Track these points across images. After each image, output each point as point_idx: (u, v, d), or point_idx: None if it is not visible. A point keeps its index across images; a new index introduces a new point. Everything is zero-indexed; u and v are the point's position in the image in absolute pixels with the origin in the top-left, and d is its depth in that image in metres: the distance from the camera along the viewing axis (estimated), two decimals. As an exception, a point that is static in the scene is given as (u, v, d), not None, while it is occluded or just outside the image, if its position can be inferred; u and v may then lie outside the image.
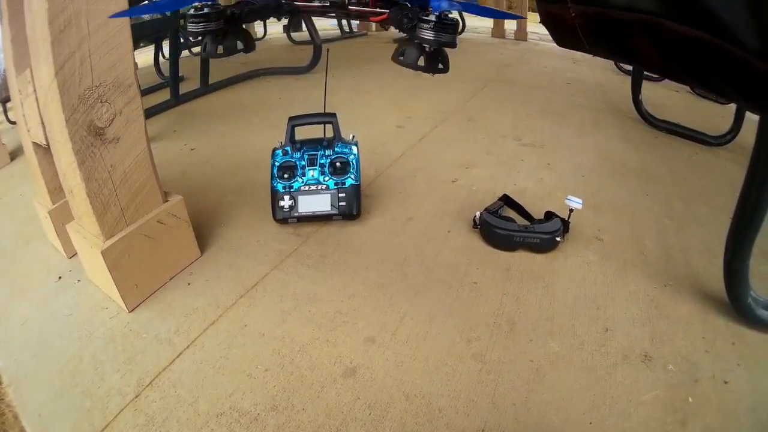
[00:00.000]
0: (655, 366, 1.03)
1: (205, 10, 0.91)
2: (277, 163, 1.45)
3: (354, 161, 1.46)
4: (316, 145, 1.49)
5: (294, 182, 1.44)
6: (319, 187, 1.44)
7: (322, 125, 1.54)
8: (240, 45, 0.96)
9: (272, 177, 1.44)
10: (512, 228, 1.36)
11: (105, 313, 1.13)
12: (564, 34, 1.05)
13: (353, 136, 1.51)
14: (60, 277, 1.23)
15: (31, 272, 1.27)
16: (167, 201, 1.18)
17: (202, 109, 2.37)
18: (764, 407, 0.94)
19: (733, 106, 2.57)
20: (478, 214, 1.44)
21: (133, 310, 1.14)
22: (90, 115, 0.95)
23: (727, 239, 1.10)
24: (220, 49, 1.01)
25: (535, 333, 1.11)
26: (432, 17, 0.79)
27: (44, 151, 1.11)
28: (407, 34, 0.82)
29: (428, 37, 0.78)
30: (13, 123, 2.10)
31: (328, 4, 0.89)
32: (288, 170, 1.44)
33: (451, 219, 1.53)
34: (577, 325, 1.13)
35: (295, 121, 1.48)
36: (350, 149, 1.47)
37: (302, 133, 1.50)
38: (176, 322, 1.11)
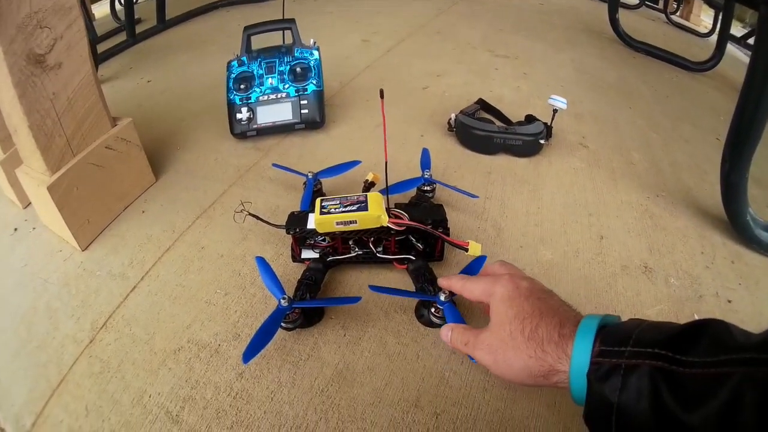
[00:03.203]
0: (656, 278, 0.94)
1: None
2: (232, 75, 1.31)
3: (316, 66, 1.32)
4: (274, 52, 1.34)
5: (251, 93, 1.30)
6: (279, 96, 1.30)
7: (282, 35, 1.41)
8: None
9: (228, 90, 1.30)
10: (491, 129, 1.23)
11: (59, 257, 1.00)
12: None
13: (314, 42, 1.36)
14: (15, 229, 1.10)
15: None
16: (116, 126, 1.08)
17: (159, 45, 2.22)
18: None
19: (710, 39, 2.56)
20: (453, 116, 1.31)
21: (86, 248, 1.01)
22: (29, 43, 0.85)
23: (724, 150, 1.02)
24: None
25: (525, 240, 1.00)
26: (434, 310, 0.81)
27: None
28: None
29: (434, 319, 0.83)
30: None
31: (362, 253, 0.89)
32: (244, 81, 1.30)
33: (423, 124, 1.40)
34: (570, 232, 1.03)
35: (250, 30, 1.33)
36: (311, 53, 1.33)
37: (260, 43, 1.36)
38: (130, 254, 0.99)
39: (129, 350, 0.81)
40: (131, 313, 0.87)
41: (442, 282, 0.73)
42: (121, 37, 2.19)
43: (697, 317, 0.87)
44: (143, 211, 1.10)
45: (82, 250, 1.01)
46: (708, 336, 0.42)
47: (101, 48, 1.97)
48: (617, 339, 0.46)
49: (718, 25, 2.18)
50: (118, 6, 2.73)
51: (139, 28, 2.25)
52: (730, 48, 2.26)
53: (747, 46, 2.61)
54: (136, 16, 2.26)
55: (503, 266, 0.68)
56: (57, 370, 0.79)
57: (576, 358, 0.48)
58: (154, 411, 0.72)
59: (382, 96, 0.77)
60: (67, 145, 0.97)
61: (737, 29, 2.81)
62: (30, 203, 1.13)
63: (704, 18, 3.28)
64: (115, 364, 0.79)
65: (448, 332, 0.66)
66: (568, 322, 0.52)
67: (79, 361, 0.80)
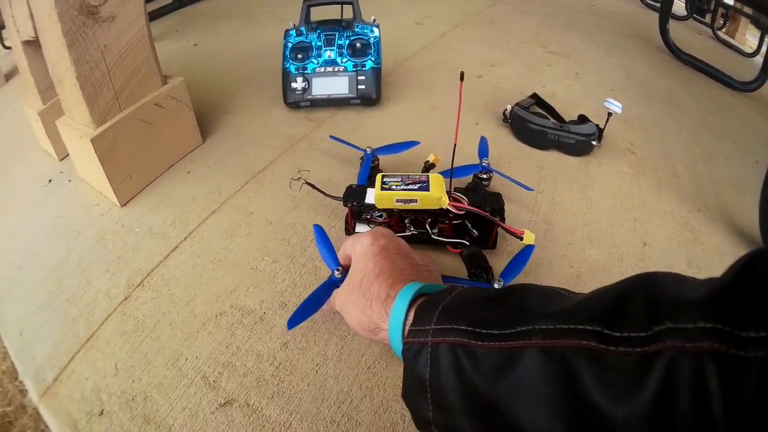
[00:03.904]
0: None
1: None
2: (290, 44, 1.32)
3: (375, 43, 1.33)
4: (333, 25, 1.35)
5: (308, 63, 1.31)
6: (336, 69, 1.31)
7: (340, 7, 1.40)
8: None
9: (284, 58, 1.31)
10: (547, 125, 1.25)
11: (95, 211, 1.01)
12: None
13: (374, 19, 1.37)
14: (50, 180, 1.11)
15: (21, 180, 1.15)
16: (166, 84, 1.08)
17: (206, 9, 2.21)
18: None
19: (754, 60, 2.54)
20: (509, 107, 1.32)
21: (126, 204, 1.02)
22: None
23: (767, 174, 1.03)
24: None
25: (573, 237, 1.02)
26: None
27: (35, 48, 1.01)
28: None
29: None
30: (9, 48, 1.91)
31: (417, 233, 0.90)
32: (302, 51, 1.31)
33: (478, 112, 1.41)
34: (615, 235, 1.05)
35: (310, 1, 1.33)
36: (371, 30, 1.34)
37: (318, 16, 1.37)
38: (172, 213, 1.00)
39: (167, 311, 0.81)
40: (171, 273, 0.88)
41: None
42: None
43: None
44: (188, 172, 1.11)
45: (121, 206, 1.01)
46: (512, 303, 0.46)
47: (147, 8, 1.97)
48: (426, 315, 0.49)
49: (764, 48, 2.17)
50: None
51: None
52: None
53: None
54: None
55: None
56: (86, 325, 0.80)
57: (392, 320, 0.53)
58: (190, 375, 0.73)
59: (462, 79, 0.79)
60: (115, 99, 0.97)
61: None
62: (66, 155, 1.13)
63: (749, 37, 3.25)
64: (151, 324, 0.79)
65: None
66: (400, 284, 0.57)
67: (112, 317, 0.81)
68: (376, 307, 0.56)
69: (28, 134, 1.20)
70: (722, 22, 3.28)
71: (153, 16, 2.02)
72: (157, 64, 1.05)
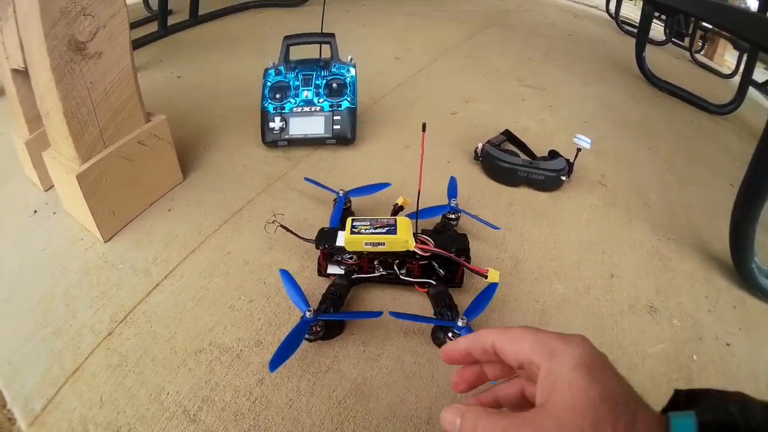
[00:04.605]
0: (660, 318, 0.99)
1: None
2: (269, 83, 1.36)
3: (351, 83, 1.36)
4: (311, 65, 1.39)
5: (286, 103, 1.34)
6: (313, 109, 1.35)
7: (318, 47, 1.44)
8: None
9: (263, 97, 1.35)
10: (516, 162, 1.28)
11: (80, 245, 1.03)
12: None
13: (351, 58, 1.41)
14: (35, 211, 1.13)
15: (6, 209, 1.16)
16: (149, 121, 1.10)
17: (190, 40, 2.27)
18: (764, 375, 0.92)
19: (732, 81, 2.58)
20: (480, 145, 1.35)
21: (109, 240, 1.05)
22: (71, 29, 0.87)
23: (737, 199, 1.05)
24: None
25: (540, 272, 1.05)
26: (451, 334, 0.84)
27: (23, 77, 1.02)
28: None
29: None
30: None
31: (386, 274, 0.93)
32: (280, 90, 1.35)
33: (451, 150, 1.44)
34: (583, 268, 1.07)
35: (290, 40, 1.37)
36: (348, 70, 1.38)
37: (297, 55, 1.41)
38: (154, 250, 1.02)
39: (149, 346, 0.84)
40: (153, 310, 0.90)
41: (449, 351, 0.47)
42: (152, 27, 2.24)
43: (695, 358, 0.91)
44: (169, 210, 1.13)
45: (105, 242, 1.04)
46: None
47: (131, 36, 1.98)
48: None
49: (741, 68, 2.21)
50: None
51: (170, 20, 2.31)
52: (752, 92, 2.28)
53: (768, 93, 2.64)
54: (168, 8, 2.31)
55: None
56: (72, 358, 0.82)
57: None
58: (172, 408, 0.75)
59: (424, 129, 0.81)
60: (100, 136, 0.99)
61: (761, 71, 2.83)
62: (51, 186, 1.15)
63: (728, 58, 3.31)
64: (134, 359, 0.82)
65: (456, 419, 0.40)
66: (658, 419, 0.36)
67: (97, 351, 0.83)
68: None
69: (12, 159, 1.22)
70: (701, 44, 3.34)
71: (138, 44, 2.06)
72: (140, 101, 1.07)
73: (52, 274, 0.97)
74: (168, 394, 0.77)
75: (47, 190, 1.18)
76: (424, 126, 0.81)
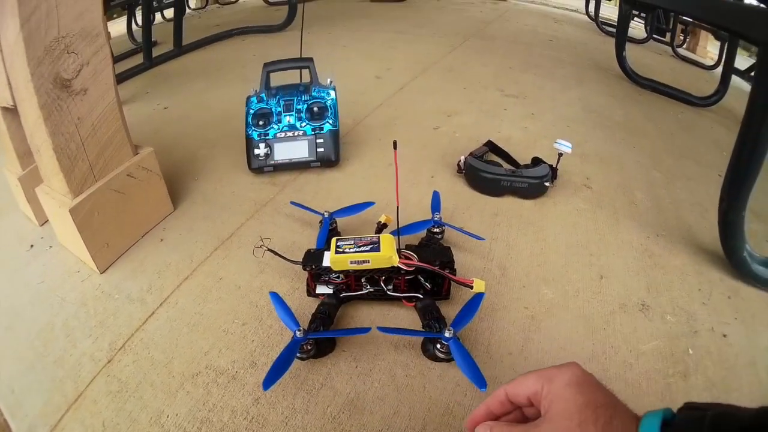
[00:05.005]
0: (653, 315, 0.99)
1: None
2: (251, 111, 1.38)
3: (332, 105, 1.38)
4: (292, 90, 1.41)
5: (269, 129, 1.36)
6: (296, 134, 1.36)
7: (299, 71, 1.46)
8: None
9: (247, 125, 1.37)
10: (499, 172, 1.29)
11: (76, 277, 1.06)
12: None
13: (331, 81, 1.43)
14: (32, 246, 1.15)
15: (2, 244, 1.19)
16: (137, 154, 1.13)
17: (175, 70, 2.31)
18: (763, 363, 0.91)
19: (716, 71, 2.60)
20: (462, 158, 1.36)
21: (104, 271, 1.07)
22: (56, 67, 0.90)
23: (723, 189, 1.05)
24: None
25: (528, 279, 1.05)
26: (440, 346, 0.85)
27: (12, 114, 1.05)
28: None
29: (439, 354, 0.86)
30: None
31: (373, 290, 0.95)
32: (263, 117, 1.37)
33: (434, 164, 1.46)
34: (571, 272, 1.08)
35: (270, 67, 1.40)
36: (327, 93, 1.40)
37: (278, 80, 1.43)
38: (148, 280, 1.05)
39: (147, 372, 0.86)
40: (150, 337, 0.92)
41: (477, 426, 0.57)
42: (137, 59, 2.28)
43: (691, 351, 0.91)
44: (162, 239, 1.15)
45: (100, 273, 1.06)
46: None
47: (117, 69, 2.01)
48: None
49: (723, 58, 2.23)
50: (134, 26, 2.86)
51: (155, 51, 2.35)
52: (736, 80, 2.29)
53: (751, 79, 2.63)
54: (152, 39, 2.36)
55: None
56: (74, 386, 0.84)
57: None
58: (172, 431, 0.77)
59: (395, 147, 0.83)
60: (90, 170, 1.01)
61: (744, 59, 2.84)
62: (46, 221, 1.17)
63: (710, 49, 3.33)
64: (134, 385, 0.84)
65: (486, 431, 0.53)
66: (635, 418, 0.46)
67: (97, 379, 0.85)
68: None
69: (7, 195, 1.24)
70: (683, 38, 3.36)
71: (124, 77, 2.10)
72: (127, 134, 1.09)
73: (50, 306, 0.99)
74: (168, 417, 0.79)
75: (42, 225, 1.20)
76: (395, 144, 0.83)
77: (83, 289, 1.03)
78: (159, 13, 3.28)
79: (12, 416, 0.81)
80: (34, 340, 0.93)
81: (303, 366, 0.86)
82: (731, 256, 1.09)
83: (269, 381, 0.75)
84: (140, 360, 0.88)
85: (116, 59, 2.29)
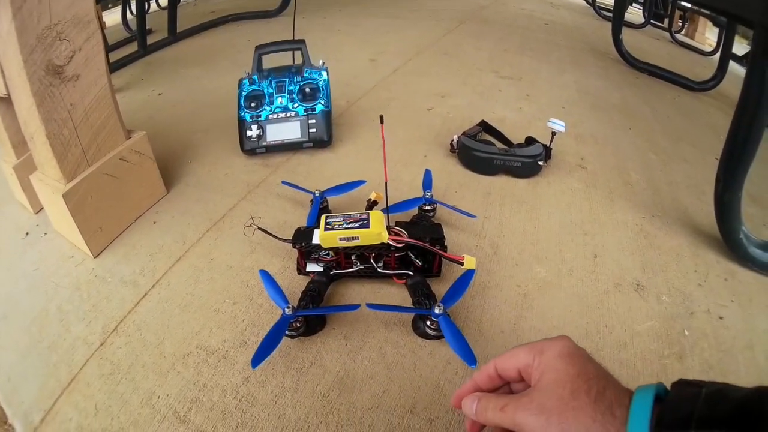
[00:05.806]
0: (648, 296, 0.98)
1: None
2: (243, 93, 1.36)
3: (324, 86, 1.36)
4: (284, 72, 1.39)
5: (262, 111, 1.34)
6: (288, 115, 1.35)
7: (291, 53, 1.45)
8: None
9: (239, 107, 1.35)
10: (492, 151, 1.27)
11: (71, 263, 1.05)
12: None
13: (323, 62, 1.41)
14: (27, 234, 1.15)
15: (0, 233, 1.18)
16: (130, 138, 1.12)
17: (170, 57, 2.29)
18: (760, 346, 0.90)
19: (714, 57, 2.58)
20: (455, 137, 1.35)
21: (98, 255, 1.06)
22: (48, 54, 0.89)
23: (718, 170, 1.04)
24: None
25: (521, 257, 1.04)
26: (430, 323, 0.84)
27: (7, 104, 1.04)
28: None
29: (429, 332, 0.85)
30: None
31: (364, 268, 0.93)
32: (255, 99, 1.35)
33: (427, 144, 1.44)
34: (565, 251, 1.07)
35: (262, 50, 1.38)
36: (320, 74, 1.38)
37: (272, 63, 1.41)
38: (141, 262, 1.04)
39: (139, 354, 0.85)
40: (142, 318, 0.92)
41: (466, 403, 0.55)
42: (132, 47, 2.26)
43: (687, 333, 0.90)
44: (155, 222, 1.15)
45: (94, 257, 1.05)
46: None
47: (112, 57, 2.02)
48: (677, 418, 0.40)
49: (722, 44, 2.21)
50: (129, 15, 2.82)
51: (149, 39, 2.33)
52: (734, 66, 2.27)
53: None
54: (147, 27, 2.34)
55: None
56: (68, 370, 0.84)
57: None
58: (163, 411, 0.76)
59: (382, 121, 0.81)
60: (83, 155, 1.01)
61: (743, 46, 2.82)
62: (41, 208, 1.17)
63: (709, 36, 3.31)
64: (126, 367, 0.83)
65: (473, 403, 0.52)
66: (627, 392, 0.45)
67: (90, 362, 0.85)
68: (619, 413, 0.43)
69: (2, 185, 1.24)
70: (681, 24, 3.34)
71: (119, 65, 2.08)
72: (120, 119, 1.08)
73: (45, 292, 0.99)
74: (159, 397, 0.78)
75: (37, 213, 1.20)
76: (381, 118, 0.82)
77: (77, 273, 1.02)
78: (154, 1, 3.25)
79: (8, 404, 0.81)
80: (30, 326, 0.92)
81: (293, 344, 0.85)
82: (727, 237, 1.08)
83: (258, 359, 0.74)
84: (132, 342, 0.88)
85: (111, 48, 2.27)
